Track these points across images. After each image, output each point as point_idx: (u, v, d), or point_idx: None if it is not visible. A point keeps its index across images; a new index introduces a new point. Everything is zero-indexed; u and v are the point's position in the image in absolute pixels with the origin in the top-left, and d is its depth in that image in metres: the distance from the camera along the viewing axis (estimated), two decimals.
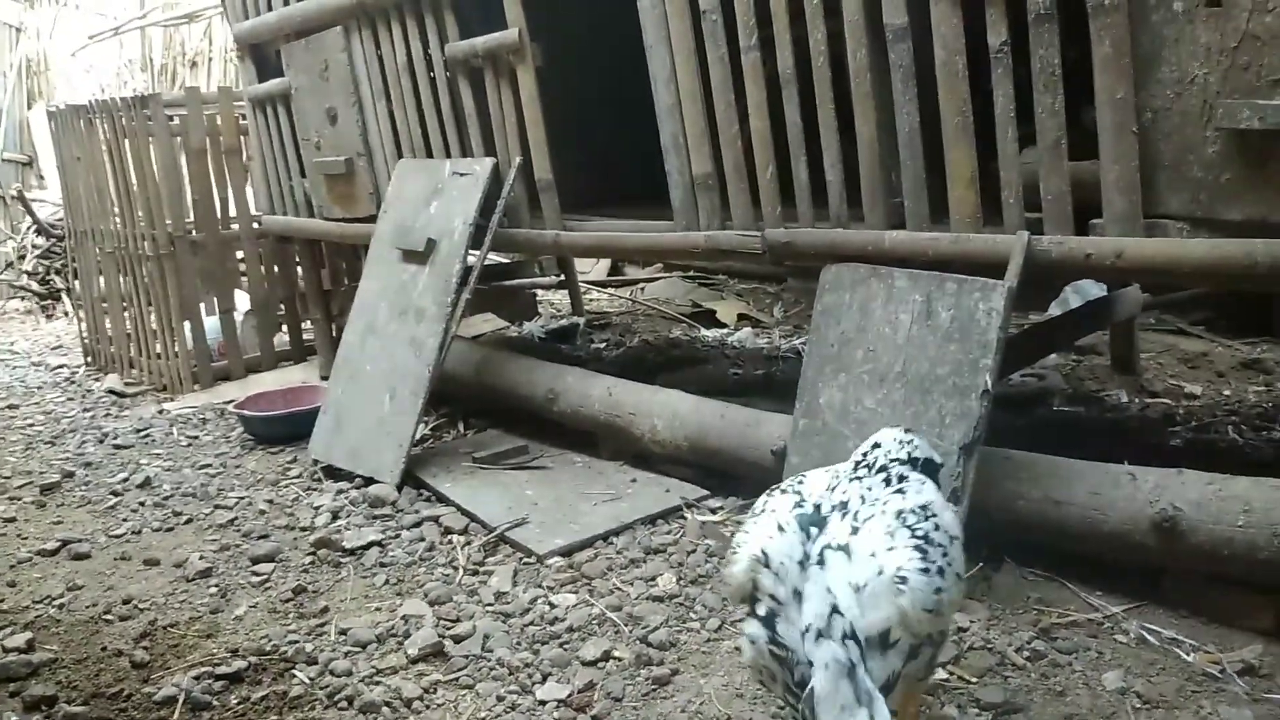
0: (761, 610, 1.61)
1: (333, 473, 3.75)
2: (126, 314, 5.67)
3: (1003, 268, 2.48)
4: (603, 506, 3.21)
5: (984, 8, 2.42)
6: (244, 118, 5.35)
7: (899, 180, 2.73)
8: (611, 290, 7.00)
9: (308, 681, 2.36)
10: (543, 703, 2.21)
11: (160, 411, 4.88)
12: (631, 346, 5.37)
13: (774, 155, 2.97)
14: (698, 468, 3.35)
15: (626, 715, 2.15)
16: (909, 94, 2.62)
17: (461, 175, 3.86)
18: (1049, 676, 2.17)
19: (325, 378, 4.83)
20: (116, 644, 2.60)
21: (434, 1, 3.83)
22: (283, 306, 5.69)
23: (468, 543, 3.07)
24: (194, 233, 5.36)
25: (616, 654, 2.37)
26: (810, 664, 1.50)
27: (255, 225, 5.50)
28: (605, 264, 7.39)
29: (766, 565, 1.62)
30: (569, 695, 2.22)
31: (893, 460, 1.82)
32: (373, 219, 4.23)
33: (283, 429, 4.22)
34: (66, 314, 7.81)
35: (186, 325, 5.26)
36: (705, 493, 3.25)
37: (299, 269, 5.56)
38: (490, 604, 2.68)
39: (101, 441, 4.42)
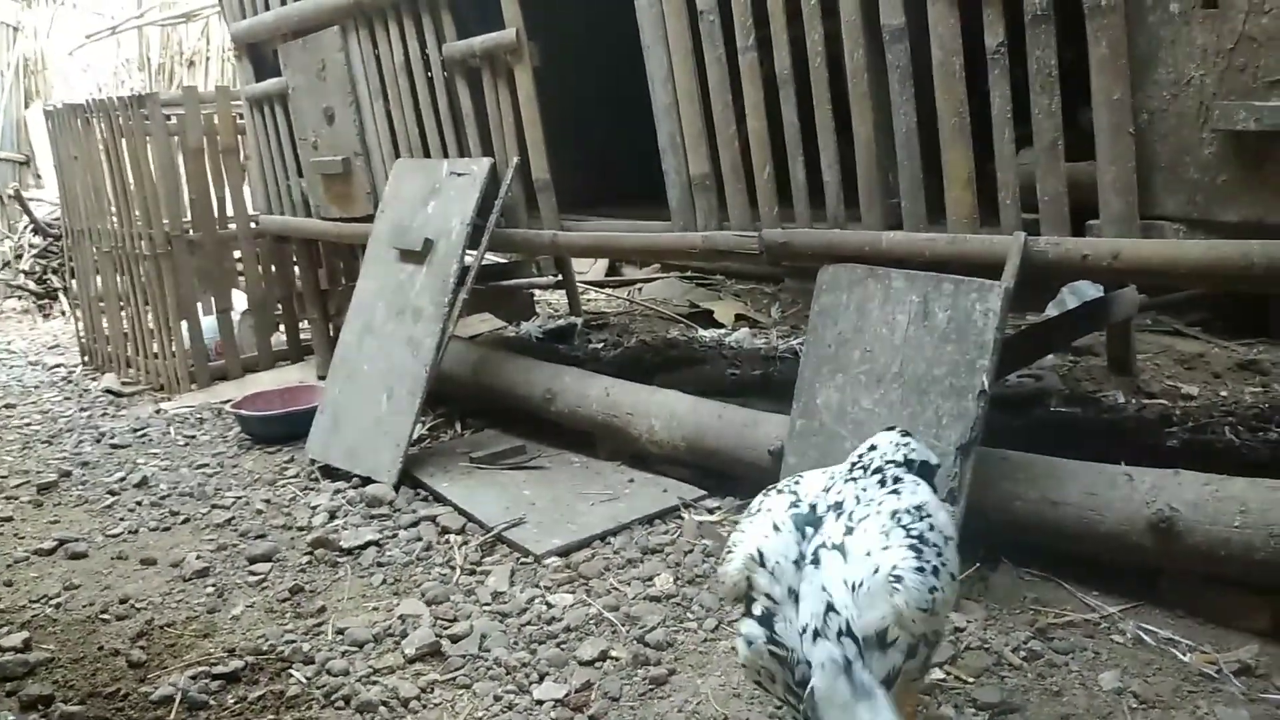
0: (757, 610, 1.62)
1: (330, 472, 3.75)
2: (123, 313, 5.66)
3: (999, 268, 2.48)
4: (600, 506, 3.21)
5: (981, 8, 2.42)
6: (241, 117, 5.35)
7: (896, 181, 2.73)
8: (609, 290, 7.00)
9: (305, 681, 2.36)
10: (540, 702, 2.21)
11: (157, 411, 4.88)
12: (629, 347, 5.37)
13: (771, 155, 2.97)
14: (695, 468, 3.35)
15: (623, 715, 2.15)
16: (906, 94, 2.62)
17: (459, 175, 3.86)
18: (1045, 676, 2.18)
19: (322, 377, 4.83)
20: (113, 643, 2.60)
21: (431, 1, 3.83)
22: (280, 306, 5.69)
23: (465, 542, 3.07)
24: (191, 232, 5.35)
25: (613, 654, 2.38)
26: (810, 663, 1.50)
27: (252, 225, 5.50)
28: (603, 264, 7.39)
29: (762, 565, 1.63)
30: (566, 695, 2.22)
31: (889, 462, 1.82)
32: (370, 219, 4.23)
33: (280, 429, 4.22)
34: (64, 313, 7.80)
35: (184, 325, 5.26)
36: (702, 493, 3.26)
37: (296, 268, 5.56)
38: (487, 604, 2.68)
39: (98, 441, 4.42)
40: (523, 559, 2.95)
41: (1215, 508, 2.25)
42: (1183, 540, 2.27)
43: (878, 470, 1.80)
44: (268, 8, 4.69)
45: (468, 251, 3.77)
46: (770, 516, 1.70)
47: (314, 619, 2.68)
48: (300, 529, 3.28)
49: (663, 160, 3.25)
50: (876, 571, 1.58)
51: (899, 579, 1.57)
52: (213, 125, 5.36)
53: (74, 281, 6.40)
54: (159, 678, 2.42)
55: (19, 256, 8.55)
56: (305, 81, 4.54)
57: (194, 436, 4.43)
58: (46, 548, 3.22)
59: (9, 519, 3.53)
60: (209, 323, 5.40)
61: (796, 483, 1.81)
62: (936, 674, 2.18)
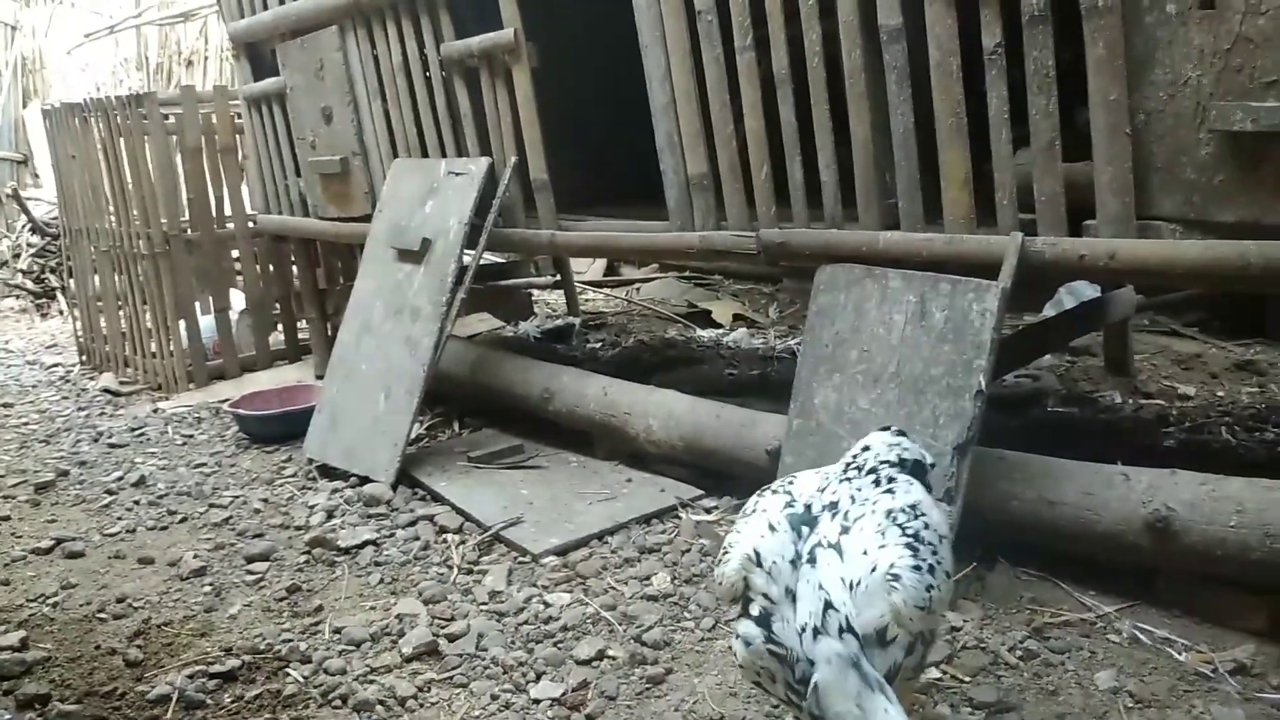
0: (755, 610, 1.62)
1: (328, 472, 3.75)
2: (121, 313, 5.66)
3: (996, 269, 2.49)
4: (598, 506, 3.21)
5: (978, 9, 2.43)
6: (239, 116, 5.35)
7: (893, 181, 2.73)
8: (607, 290, 7.00)
9: (302, 680, 2.36)
10: (537, 701, 2.21)
11: (155, 410, 4.87)
12: (627, 346, 5.37)
13: (769, 155, 2.97)
14: (693, 467, 3.35)
15: (620, 714, 2.16)
16: (904, 95, 2.63)
17: (457, 175, 3.86)
18: (1042, 676, 2.18)
19: (320, 377, 4.83)
20: (110, 642, 2.60)
21: (429, 1, 3.83)
22: (278, 305, 5.69)
23: (462, 542, 3.07)
24: (189, 231, 5.35)
25: (611, 653, 2.38)
26: (810, 662, 1.51)
27: (250, 224, 5.50)
28: (601, 264, 7.39)
29: (759, 565, 1.63)
30: (563, 694, 2.23)
31: (883, 462, 1.83)
32: (368, 218, 4.23)
33: (278, 428, 4.22)
34: (61, 313, 7.80)
35: (181, 324, 5.26)
36: (700, 492, 3.26)
37: (294, 268, 5.56)
38: (485, 603, 2.68)
39: (96, 440, 4.41)
40: (520, 558, 2.95)
41: (1212, 507, 2.25)
42: (1179, 540, 2.28)
43: (872, 470, 1.81)
44: (266, 7, 4.69)
45: (465, 251, 3.77)
46: (766, 517, 1.71)
47: (311, 618, 2.68)
48: (298, 528, 3.28)
49: (660, 160, 3.25)
50: (874, 570, 1.59)
51: (897, 577, 1.58)
52: (211, 125, 5.36)
53: (72, 281, 6.39)
54: (156, 677, 2.42)
55: (17, 256, 8.54)
56: (303, 81, 4.54)
57: (192, 436, 4.43)
58: (44, 547, 3.22)
59: (6, 518, 3.52)
60: (207, 322, 5.40)
61: (790, 483, 1.81)
62: (933, 673, 2.18)
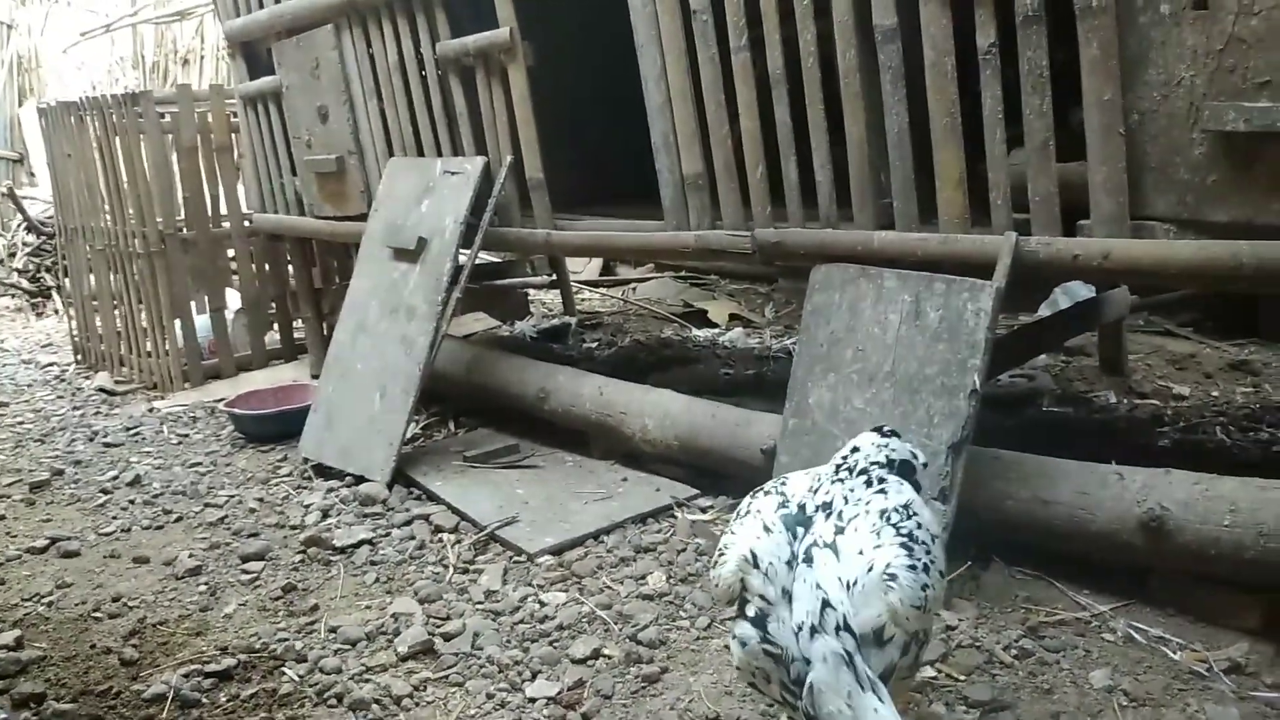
0: (751, 611, 1.63)
1: (323, 471, 3.75)
2: (117, 312, 5.66)
3: (991, 268, 2.49)
4: (593, 505, 3.21)
5: (973, 9, 2.43)
6: (235, 115, 5.35)
7: (888, 181, 2.74)
8: (603, 290, 7.00)
9: (297, 679, 2.36)
10: (532, 700, 2.22)
11: (150, 409, 4.87)
12: (623, 346, 5.38)
13: (764, 155, 2.98)
14: (688, 467, 3.36)
15: (616, 713, 2.16)
16: (898, 95, 2.63)
17: (453, 174, 3.86)
18: (1036, 674, 2.19)
19: (316, 376, 4.83)
20: (105, 642, 2.60)
21: (425, 0, 3.83)
22: (274, 305, 5.69)
23: (458, 541, 3.08)
24: (185, 230, 5.34)
25: (606, 652, 2.38)
26: (806, 661, 1.51)
27: (246, 223, 5.49)
28: (597, 263, 7.39)
29: (755, 566, 1.63)
30: (558, 693, 2.23)
31: (872, 463, 1.84)
32: (364, 217, 4.23)
33: (273, 427, 4.22)
34: (57, 312, 7.78)
35: (177, 323, 5.25)
36: (696, 492, 3.26)
37: (290, 267, 5.55)
38: (480, 602, 2.68)
39: (91, 439, 4.41)
40: (516, 558, 2.95)
41: (1205, 507, 2.26)
42: (1173, 539, 2.28)
43: (863, 471, 1.81)
44: (261, 6, 4.69)
45: (461, 250, 3.77)
46: (761, 518, 1.71)
47: (307, 617, 2.68)
48: (293, 527, 3.28)
49: (656, 160, 3.26)
50: (870, 570, 1.60)
51: (893, 577, 1.59)
52: (207, 123, 5.35)
53: (67, 280, 6.38)
54: (151, 676, 2.42)
55: (12, 254, 8.53)
56: (299, 80, 4.54)
57: (187, 435, 4.42)
58: (39, 546, 3.22)
59: (1, 517, 3.52)
60: (202, 321, 5.40)
61: (783, 484, 1.82)
62: (928, 671, 2.19)
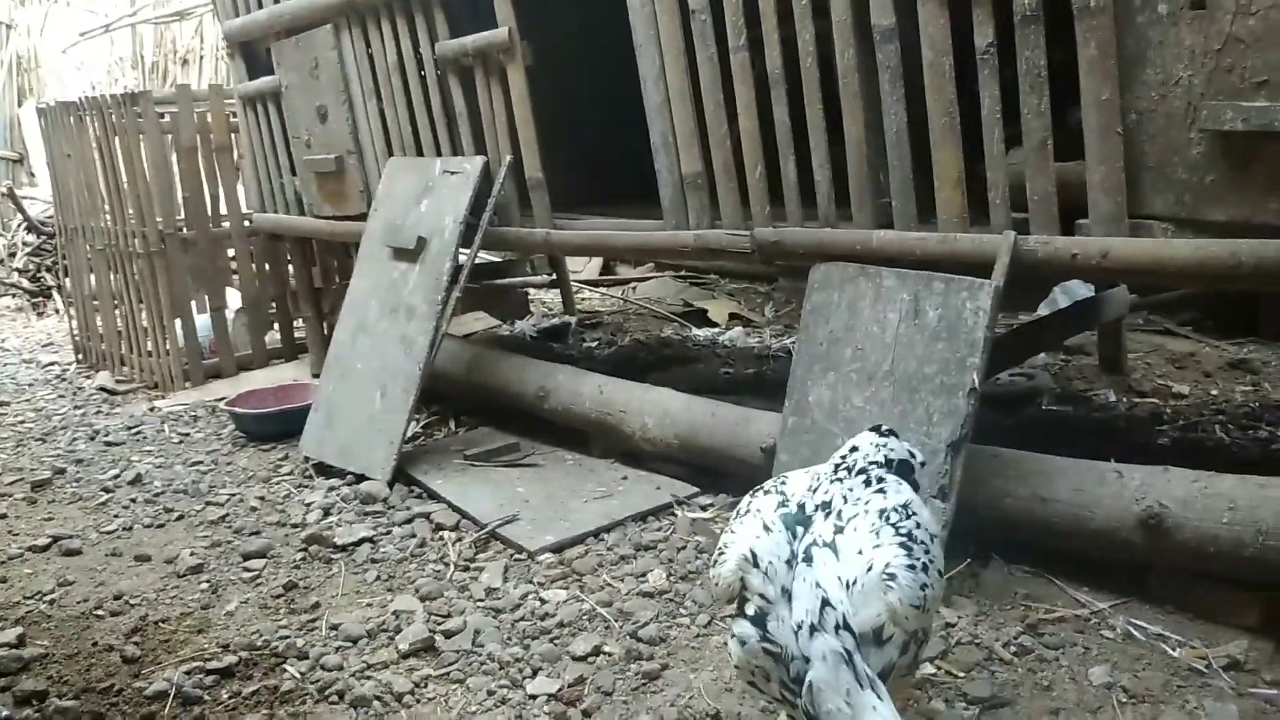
0: (750, 610, 1.63)
1: (324, 470, 3.76)
2: (117, 311, 5.66)
3: (989, 267, 2.50)
4: (593, 503, 3.22)
5: (971, 9, 2.44)
6: (235, 115, 5.35)
7: (887, 180, 2.74)
8: (603, 289, 7.01)
9: (298, 676, 2.37)
10: (533, 697, 2.22)
11: (151, 409, 4.88)
12: (623, 345, 5.38)
13: (763, 155, 2.98)
14: (688, 465, 3.36)
15: (616, 709, 2.17)
16: (897, 95, 2.64)
17: (452, 173, 3.87)
18: (1036, 671, 2.19)
19: (316, 375, 4.84)
20: (107, 639, 2.60)
21: (424, 0, 3.83)
22: (274, 304, 5.69)
23: (459, 539, 3.08)
24: (185, 230, 5.35)
25: (606, 649, 2.39)
26: (806, 659, 1.52)
27: (246, 223, 5.50)
28: (597, 263, 7.39)
29: (755, 565, 1.64)
30: (559, 690, 2.24)
31: (871, 463, 1.85)
32: (363, 217, 4.24)
33: (274, 426, 4.22)
34: (57, 311, 7.79)
35: (178, 323, 5.26)
36: (695, 490, 3.27)
37: (290, 267, 5.56)
38: (481, 600, 2.69)
39: (93, 438, 4.42)
40: (516, 555, 2.96)
41: (1204, 505, 2.27)
42: (1172, 537, 2.29)
43: (862, 471, 1.82)
44: (260, 6, 4.69)
45: (461, 250, 3.78)
46: (760, 517, 1.72)
47: (308, 615, 2.69)
48: (294, 526, 3.28)
49: (655, 159, 3.26)
50: (870, 569, 1.60)
51: (892, 576, 1.59)
52: (206, 123, 5.36)
53: (68, 279, 6.39)
54: (153, 673, 2.42)
55: (12, 254, 8.53)
56: (298, 80, 4.55)
57: (188, 434, 4.43)
58: (41, 544, 3.22)
59: (3, 516, 3.53)
60: (203, 321, 5.40)
61: (782, 483, 1.83)
62: (927, 669, 2.19)
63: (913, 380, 2.56)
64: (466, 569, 2.89)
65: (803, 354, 2.82)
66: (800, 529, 1.68)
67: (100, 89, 10.49)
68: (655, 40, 3.12)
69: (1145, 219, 2.33)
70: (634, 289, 6.88)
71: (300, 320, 5.57)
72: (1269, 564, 2.18)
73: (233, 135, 5.48)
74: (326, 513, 3.35)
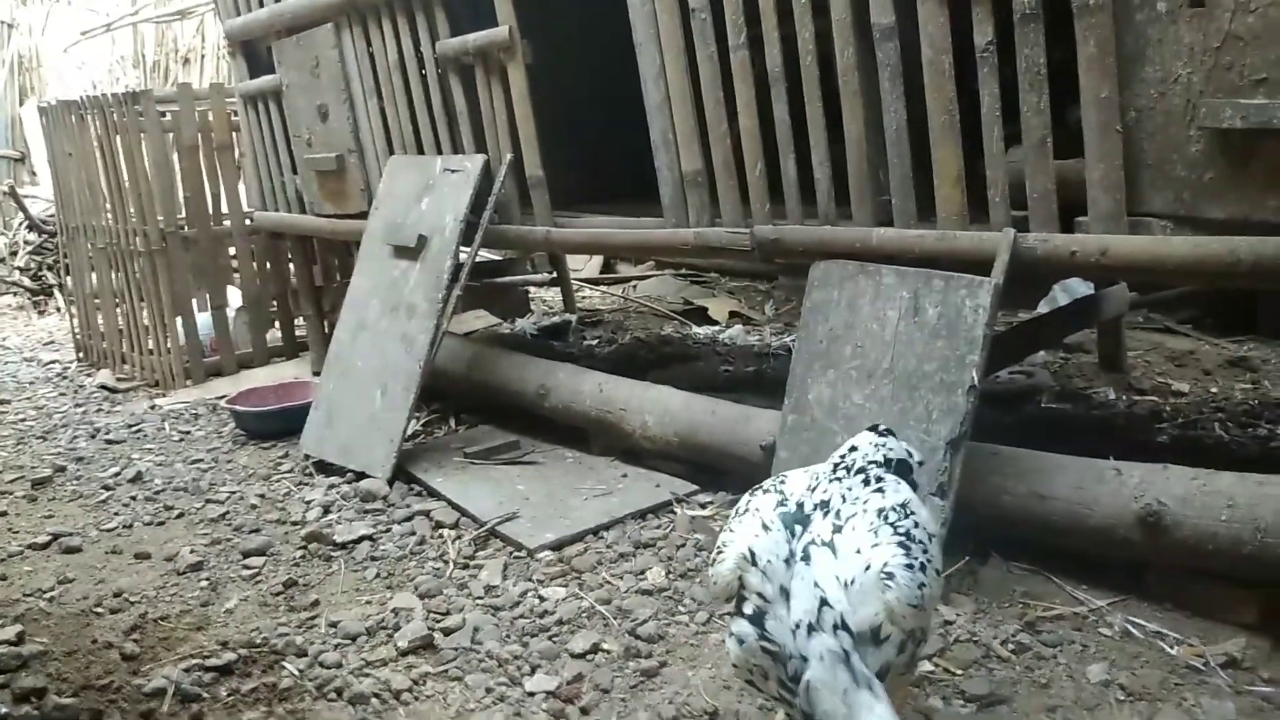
0: (749, 609, 1.63)
1: (324, 468, 3.76)
2: (118, 310, 5.67)
3: (989, 265, 2.50)
4: (593, 501, 3.22)
5: (970, 7, 2.44)
6: (236, 114, 5.35)
7: (886, 178, 2.74)
8: (604, 288, 7.01)
9: (297, 673, 2.37)
10: (531, 694, 2.23)
11: (152, 407, 4.88)
12: (623, 343, 5.39)
13: (763, 153, 2.98)
14: (688, 463, 3.36)
15: (615, 706, 2.17)
16: (896, 93, 2.64)
17: (453, 172, 3.87)
18: (1034, 669, 2.19)
19: (317, 373, 4.84)
20: (107, 636, 2.61)
21: None
22: (275, 303, 5.69)
23: (458, 537, 3.09)
24: (186, 229, 5.36)
25: (605, 646, 2.39)
26: (803, 659, 1.52)
27: (247, 221, 5.51)
28: (597, 261, 7.40)
29: (753, 564, 1.64)
30: (558, 687, 2.24)
31: (870, 462, 1.85)
32: (364, 215, 4.24)
33: (274, 424, 4.23)
34: (59, 310, 7.80)
35: (179, 321, 5.27)
36: (695, 488, 3.27)
37: (291, 265, 5.56)
38: (480, 597, 2.69)
39: (93, 436, 4.42)
40: (516, 553, 2.96)
41: (1203, 502, 2.27)
42: (1170, 534, 2.29)
43: (861, 470, 1.82)
44: (261, 5, 4.69)
45: (462, 248, 3.78)
46: (759, 516, 1.72)
47: (307, 612, 2.69)
48: (294, 523, 3.29)
49: (655, 157, 3.26)
50: (868, 569, 1.60)
51: (890, 576, 1.59)
52: (207, 122, 5.36)
53: (69, 278, 6.40)
54: (152, 670, 2.43)
55: (14, 253, 8.54)
56: (299, 78, 4.55)
57: (189, 432, 4.44)
58: (41, 542, 3.23)
59: (4, 513, 3.53)
60: (204, 319, 5.41)
61: (781, 482, 1.83)
62: (926, 666, 2.20)
63: (912, 378, 2.56)
64: (466, 567, 2.90)
65: (802, 352, 2.82)
66: (799, 528, 1.68)
67: (102, 88, 10.50)
68: (655, 39, 3.13)
69: (1144, 216, 2.32)
70: (634, 287, 6.88)
71: (301, 318, 5.58)
72: (1267, 561, 2.18)
73: (234, 134, 5.48)
74: (326, 510, 3.36)
